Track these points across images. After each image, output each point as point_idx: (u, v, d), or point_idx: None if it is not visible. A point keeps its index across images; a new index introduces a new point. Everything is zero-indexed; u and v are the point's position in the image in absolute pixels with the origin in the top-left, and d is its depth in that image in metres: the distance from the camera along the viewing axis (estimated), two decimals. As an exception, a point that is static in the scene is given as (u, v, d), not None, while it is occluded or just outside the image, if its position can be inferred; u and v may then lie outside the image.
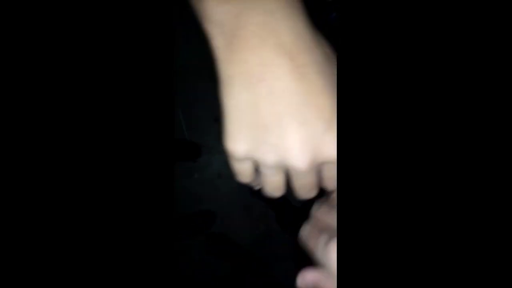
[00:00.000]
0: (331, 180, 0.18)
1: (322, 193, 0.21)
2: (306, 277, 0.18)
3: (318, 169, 0.17)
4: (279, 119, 0.15)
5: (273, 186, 0.18)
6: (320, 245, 0.17)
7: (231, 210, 1.24)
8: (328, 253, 0.17)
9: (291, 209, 1.13)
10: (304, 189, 0.18)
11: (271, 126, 0.15)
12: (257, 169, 0.18)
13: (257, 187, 0.20)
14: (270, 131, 0.15)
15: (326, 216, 0.19)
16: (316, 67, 0.15)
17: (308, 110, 0.15)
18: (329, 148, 0.16)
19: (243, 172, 0.18)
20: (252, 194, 1.24)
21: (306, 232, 0.19)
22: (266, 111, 0.15)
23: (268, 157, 0.16)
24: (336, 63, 0.17)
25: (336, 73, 0.17)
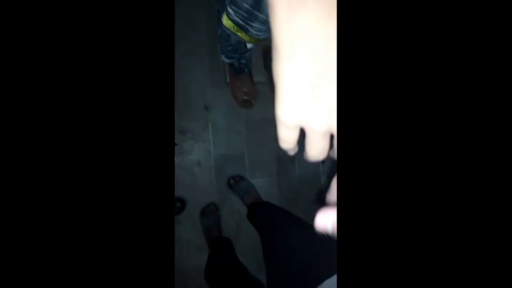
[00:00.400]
0: None
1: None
2: (327, 214, 0.17)
3: None
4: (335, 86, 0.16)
5: (319, 150, 0.19)
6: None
7: (204, 201, 1.22)
8: None
9: (262, 208, 1.12)
10: None
11: (326, 94, 0.16)
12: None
13: (292, 153, 0.21)
14: (325, 99, 0.17)
15: None
16: None
17: None
18: None
19: (290, 139, 0.19)
20: (230, 188, 1.23)
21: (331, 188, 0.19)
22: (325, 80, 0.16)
23: (320, 123, 0.17)
24: None
25: None
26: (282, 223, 0.78)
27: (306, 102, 0.17)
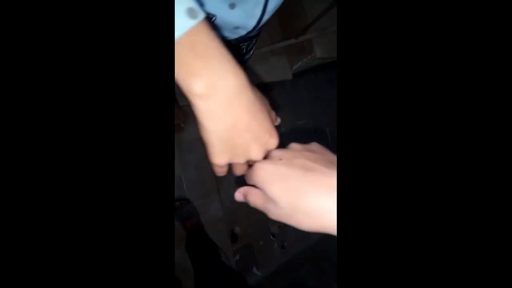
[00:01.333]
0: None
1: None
2: (240, 191, 0.28)
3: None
4: (245, 139, 0.26)
5: (241, 171, 0.29)
6: (249, 173, 0.27)
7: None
8: (250, 173, 0.27)
9: (208, 255, 1.13)
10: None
11: (241, 144, 0.26)
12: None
13: (222, 175, 0.30)
14: (240, 147, 0.26)
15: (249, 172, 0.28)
16: (258, 103, 0.26)
17: (259, 131, 0.26)
18: (271, 146, 0.27)
19: (222, 172, 0.29)
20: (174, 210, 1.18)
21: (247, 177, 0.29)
22: (236, 136, 0.25)
23: (240, 159, 0.27)
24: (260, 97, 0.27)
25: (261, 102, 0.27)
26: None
27: (231, 150, 0.26)
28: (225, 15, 0.38)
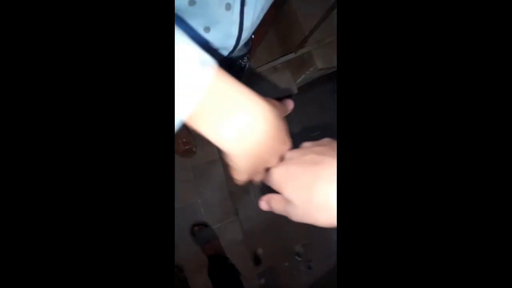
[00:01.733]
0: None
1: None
2: (263, 199, 0.29)
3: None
4: (265, 157, 0.26)
5: (261, 178, 0.30)
6: (266, 179, 0.28)
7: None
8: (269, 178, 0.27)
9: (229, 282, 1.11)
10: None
11: (261, 161, 0.26)
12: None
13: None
14: (261, 163, 0.26)
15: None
16: (276, 120, 0.25)
17: (276, 145, 0.26)
18: (285, 151, 0.27)
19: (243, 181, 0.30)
20: (193, 235, 1.18)
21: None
22: (255, 155, 0.25)
23: (260, 170, 0.27)
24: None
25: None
26: None
27: (252, 167, 0.26)
28: (203, 39, 0.39)
